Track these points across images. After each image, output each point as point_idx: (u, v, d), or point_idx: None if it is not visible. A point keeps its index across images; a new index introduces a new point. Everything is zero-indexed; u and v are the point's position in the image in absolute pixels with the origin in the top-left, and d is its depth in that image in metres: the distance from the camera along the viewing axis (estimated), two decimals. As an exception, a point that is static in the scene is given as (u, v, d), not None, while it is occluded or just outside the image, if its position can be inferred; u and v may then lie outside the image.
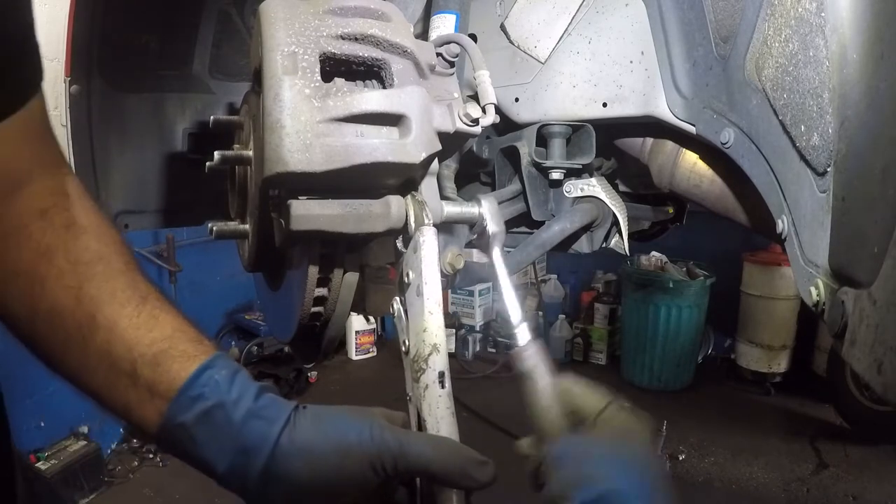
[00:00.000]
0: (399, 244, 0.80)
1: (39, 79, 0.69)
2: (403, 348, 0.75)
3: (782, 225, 0.76)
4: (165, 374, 0.61)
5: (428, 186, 0.83)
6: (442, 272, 0.84)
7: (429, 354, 0.69)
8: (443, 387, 0.67)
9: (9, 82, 0.65)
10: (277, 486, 0.60)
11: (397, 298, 0.79)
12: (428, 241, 0.74)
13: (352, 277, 0.92)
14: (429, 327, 0.70)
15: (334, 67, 0.77)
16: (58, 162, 0.73)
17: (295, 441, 0.60)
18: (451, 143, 0.82)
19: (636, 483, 0.57)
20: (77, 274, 0.65)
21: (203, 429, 0.60)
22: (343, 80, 0.79)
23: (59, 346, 0.64)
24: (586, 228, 1.25)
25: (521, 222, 1.28)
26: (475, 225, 0.84)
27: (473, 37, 1.21)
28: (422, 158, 0.75)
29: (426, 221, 0.76)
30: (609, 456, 0.60)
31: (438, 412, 0.67)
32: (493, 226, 0.82)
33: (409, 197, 0.79)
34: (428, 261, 0.73)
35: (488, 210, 0.83)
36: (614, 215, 1.25)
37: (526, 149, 1.20)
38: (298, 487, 0.59)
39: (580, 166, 1.19)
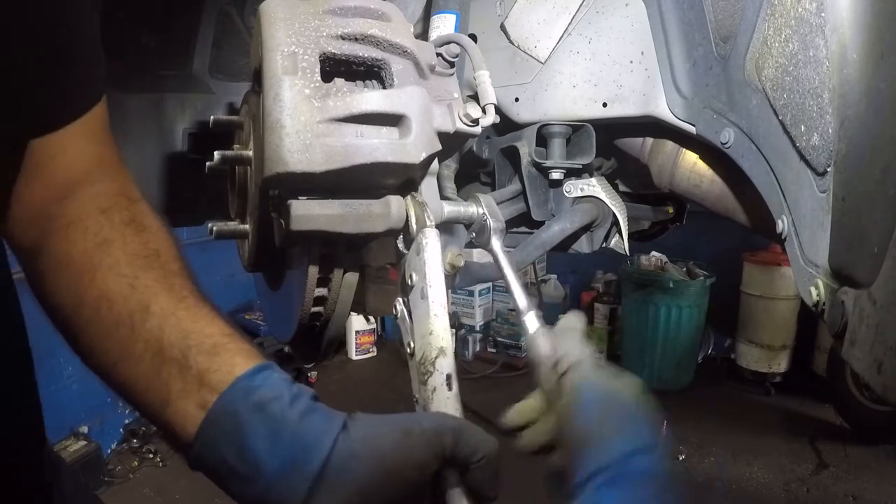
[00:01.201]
0: (400, 245, 0.80)
1: (98, 92, 0.73)
2: (408, 350, 0.75)
3: (782, 225, 0.76)
4: (223, 365, 0.58)
5: (428, 186, 0.83)
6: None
7: (436, 357, 0.68)
8: (450, 389, 0.67)
9: (78, 89, 0.70)
10: (335, 487, 0.54)
11: (400, 300, 0.78)
12: (431, 244, 0.74)
13: (352, 277, 0.92)
14: (435, 330, 0.70)
15: (334, 67, 0.77)
16: (118, 166, 0.76)
17: (355, 436, 0.56)
18: (451, 143, 0.82)
19: (650, 441, 0.58)
20: (133, 265, 0.65)
21: (259, 417, 0.55)
22: (343, 80, 0.79)
23: (104, 333, 0.62)
24: (586, 228, 1.25)
25: (521, 222, 1.28)
26: (474, 223, 0.84)
27: (473, 37, 1.21)
28: (422, 158, 0.75)
29: (428, 223, 0.75)
30: (618, 422, 0.60)
31: (449, 408, 0.67)
32: (493, 221, 0.82)
33: (409, 198, 0.79)
34: (432, 263, 0.72)
35: (487, 207, 0.83)
36: (614, 215, 1.25)
37: (526, 149, 1.20)
38: (359, 486, 0.54)
39: (580, 166, 1.19)
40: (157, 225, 0.72)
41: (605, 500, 0.53)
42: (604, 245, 1.31)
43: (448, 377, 0.68)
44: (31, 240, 0.69)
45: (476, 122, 0.82)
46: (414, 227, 0.76)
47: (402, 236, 0.80)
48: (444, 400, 0.67)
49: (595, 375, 0.65)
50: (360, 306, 0.98)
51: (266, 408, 0.56)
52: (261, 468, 0.54)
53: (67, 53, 0.67)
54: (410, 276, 0.75)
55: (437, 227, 0.81)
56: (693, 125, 0.97)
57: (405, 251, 0.79)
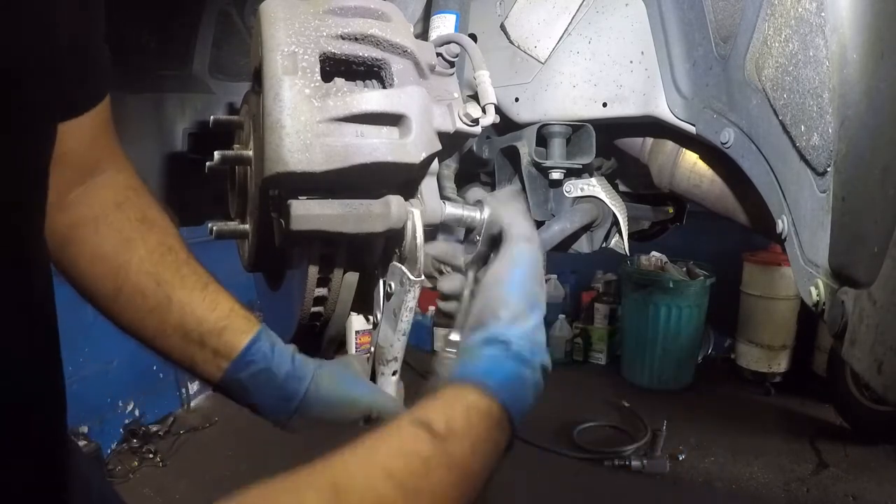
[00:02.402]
0: (395, 260, 0.84)
1: (109, 81, 0.82)
2: (372, 327, 0.93)
3: (782, 225, 0.76)
4: (227, 344, 0.82)
5: (428, 186, 0.83)
6: (441, 272, 0.85)
7: (388, 361, 0.88)
8: (394, 375, 0.89)
9: (90, 82, 0.78)
10: (304, 420, 0.83)
11: (382, 281, 0.87)
12: (413, 295, 0.83)
13: (352, 277, 0.92)
14: (395, 345, 0.87)
15: (334, 67, 0.77)
16: (122, 156, 0.88)
17: (317, 393, 0.83)
18: (451, 143, 0.82)
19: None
20: (153, 262, 0.82)
21: (254, 383, 0.82)
22: (343, 80, 0.79)
23: (140, 318, 0.82)
24: (586, 228, 1.25)
25: (521, 222, 1.27)
26: (475, 230, 0.84)
27: (473, 37, 1.21)
28: (422, 158, 0.75)
29: (417, 277, 0.82)
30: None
31: (389, 389, 0.89)
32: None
33: (410, 208, 0.82)
34: (408, 306, 0.84)
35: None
36: (614, 215, 1.25)
37: (526, 149, 1.20)
38: (318, 421, 0.84)
39: (580, 166, 1.19)
40: (160, 216, 0.87)
41: (479, 355, 0.65)
42: (604, 245, 1.31)
43: (394, 372, 0.89)
44: (58, 227, 0.79)
45: (476, 121, 0.82)
46: (407, 281, 0.82)
47: (396, 250, 0.84)
48: (390, 380, 0.89)
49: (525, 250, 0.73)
50: (359, 306, 0.98)
51: (259, 376, 0.82)
52: (260, 408, 0.84)
53: (91, 40, 0.74)
54: (390, 286, 0.85)
55: (436, 226, 0.81)
56: (693, 125, 0.97)
57: (396, 257, 0.84)
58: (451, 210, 0.85)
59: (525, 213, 0.77)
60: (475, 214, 0.85)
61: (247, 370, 0.82)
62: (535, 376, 0.66)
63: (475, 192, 0.80)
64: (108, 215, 0.83)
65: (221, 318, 0.83)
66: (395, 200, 0.78)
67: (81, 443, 3.38)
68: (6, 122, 0.54)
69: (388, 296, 0.86)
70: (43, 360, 0.66)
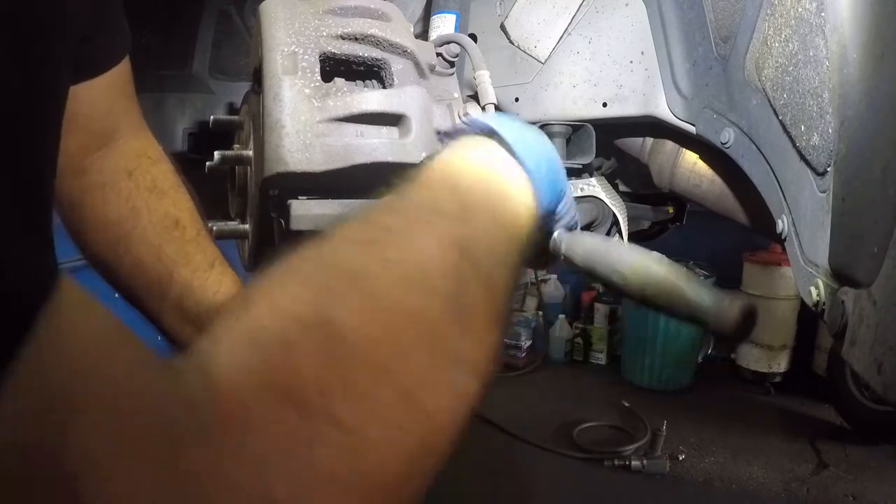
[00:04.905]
0: None
1: (126, 45, 0.78)
2: None
3: (782, 225, 0.76)
4: None
5: (428, 186, 0.83)
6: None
7: None
8: None
9: (100, 42, 0.73)
10: None
11: None
12: None
13: (352, 277, 0.92)
14: None
15: (334, 67, 0.77)
16: (140, 123, 0.85)
17: None
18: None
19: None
20: (158, 234, 0.79)
21: None
22: (343, 80, 0.79)
23: (141, 291, 0.79)
24: (586, 228, 1.25)
25: (521, 222, 1.27)
26: None
27: (473, 37, 1.21)
28: (422, 158, 0.75)
29: None
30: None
31: None
32: None
33: None
34: None
35: None
36: (614, 215, 1.25)
37: (526, 149, 1.20)
38: None
39: (580, 166, 1.18)
40: (174, 187, 0.84)
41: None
42: (604, 245, 1.30)
43: None
44: (69, 191, 0.78)
45: (476, 121, 0.82)
46: None
47: None
48: None
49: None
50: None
51: None
52: None
53: (101, 3, 0.71)
54: None
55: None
56: (693, 125, 0.97)
57: None
58: None
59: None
60: None
61: None
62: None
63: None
64: (118, 182, 0.80)
65: (221, 301, 0.80)
66: (395, 200, 0.78)
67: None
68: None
69: None
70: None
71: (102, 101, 0.77)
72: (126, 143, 0.82)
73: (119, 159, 0.81)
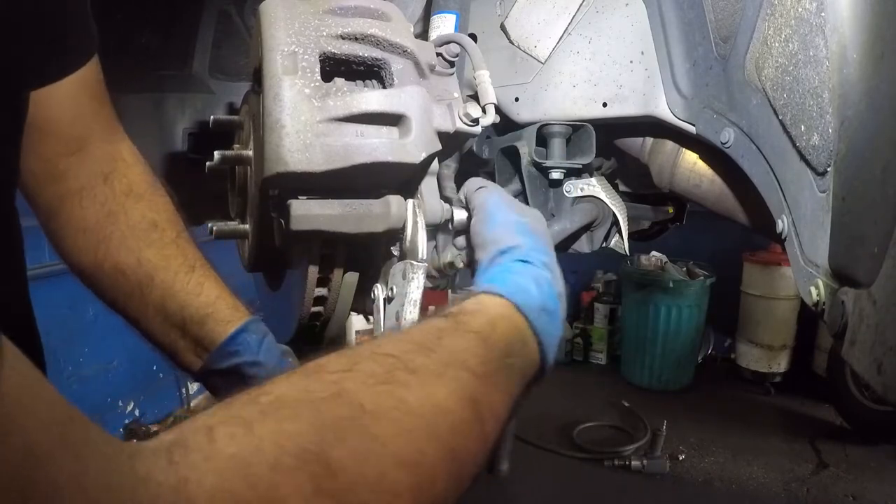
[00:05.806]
0: (394, 250, 0.81)
1: (93, 46, 0.76)
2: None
3: (782, 225, 0.76)
4: (209, 333, 0.78)
5: (428, 186, 0.83)
6: (442, 272, 0.85)
7: None
8: None
9: (65, 46, 0.72)
10: None
11: (379, 286, 0.82)
12: (417, 279, 0.77)
13: (351, 277, 0.92)
14: None
15: (334, 67, 0.77)
16: (113, 125, 0.83)
17: None
18: (451, 142, 0.82)
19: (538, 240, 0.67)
20: (136, 238, 0.78)
21: (232, 379, 0.77)
22: (343, 79, 0.79)
23: (123, 298, 0.78)
24: (586, 228, 1.25)
25: (521, 222, 1.27)
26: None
27: (473, 37, 1.21)
28: (422, 158, 0.75)
29: (421, 257, 0.78)
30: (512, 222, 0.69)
31: None
32: None
33: (410, 204, 0.79)
34: (412, 298, 0.77)
35: None
36: (614, 215, 1.25)
37: (526, 149, 1.20)
38: None
39: (580, 166, 1.18)
40: (150, 190, 0.82)
41: (496, 271, 0.62)
42: (604, 245, 1.30)
43: None
44: (47, 198, 0.77)
45: (476, 121, 0.82)
46: (407, 243, 0.78)
47: (397, 242, 0.82)
48: None
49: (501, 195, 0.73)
50: (359, 306, 0.99)
51: (239, 369, 0.78)
52: None
53: (62, 4, 0.69)
54: (392, 288, 0.80)
55: (437, 226, 0.81)
56: (693, 125, 0.97)
57: (395, 254, 0.82)
58: (460, 216, 0.84)
59: (482, 179, 0.79)
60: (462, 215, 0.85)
61: (228, 361, 0.77)
62: (543, 273, 0.65)
63: (473, 180, 0.79)
64: (94, 187, 0.79)
65: (206, 304, 0.79)
66: (394, 200, 0.78)
67: (81, 443, 3.38)
68: None
69: (388, 300, 0.83)
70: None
71: (71, 103, 0.76)
72: (99, 146, 0.81)
73: (93, 164, 0.80)
